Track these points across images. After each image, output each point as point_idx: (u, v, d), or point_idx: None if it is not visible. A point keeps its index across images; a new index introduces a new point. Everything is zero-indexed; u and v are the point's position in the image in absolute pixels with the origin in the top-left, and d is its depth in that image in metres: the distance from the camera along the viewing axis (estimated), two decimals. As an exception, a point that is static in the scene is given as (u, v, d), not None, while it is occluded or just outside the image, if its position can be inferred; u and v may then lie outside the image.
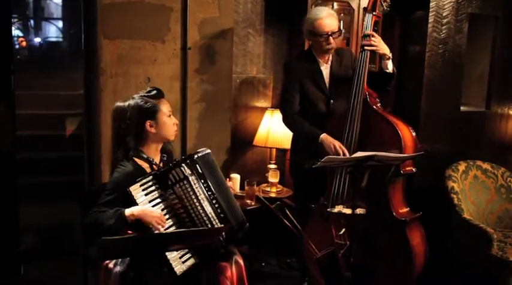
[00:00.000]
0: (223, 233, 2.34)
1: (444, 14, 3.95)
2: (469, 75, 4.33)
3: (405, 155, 2.75)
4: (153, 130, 2.39)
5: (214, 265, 2.34)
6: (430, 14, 3.90)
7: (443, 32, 3.98)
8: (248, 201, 3.54)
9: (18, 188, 3.50)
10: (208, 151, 2.48)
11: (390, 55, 3.00)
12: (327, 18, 3.00)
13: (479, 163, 3.79)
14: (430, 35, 3.93)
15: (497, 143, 4.35)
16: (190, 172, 2.32)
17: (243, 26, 3.83)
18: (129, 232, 2.28)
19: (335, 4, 3.88)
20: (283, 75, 3.26)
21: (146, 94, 2.42)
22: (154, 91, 2.44)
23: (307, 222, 3.02)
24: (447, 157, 3.85)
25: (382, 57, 3.01)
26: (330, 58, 3.16)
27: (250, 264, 2.54)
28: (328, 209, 2.90)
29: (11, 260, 3.47)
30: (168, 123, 2.43)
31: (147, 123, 2.38)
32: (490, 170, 3.78)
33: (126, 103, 2.40)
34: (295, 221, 2.56)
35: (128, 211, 2.20)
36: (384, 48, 2.97)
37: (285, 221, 2.50)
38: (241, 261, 2.44)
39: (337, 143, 2.93)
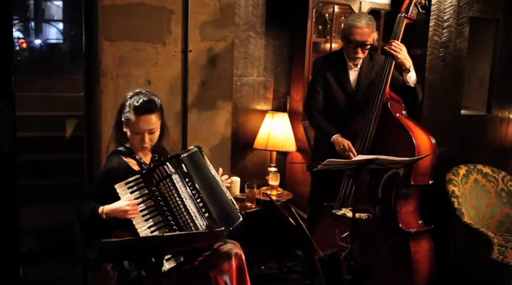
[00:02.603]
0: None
1: (445, 18, 3.95)
2: (470, 78, 4.34)
3: (405, 158, 2.73)
4: (128, 133, 2.43)
5: (210, 264, 2.33)
6: (431, 18, 3.90)
7: (444, 35, 3.98)
8: (248, 204, 3.54)
9: (18, 189, 3.49)
10: (196, 149, 2.50)
11: (409, 67, 2.95)
12: (362, 28, 2.95)
13: (479, 167, 3.79)
14: (431, 38, 3.93)
15: (498, 147, 4.34)
16: (174, 171, 2.33)
17: (244, 28, 3.82)
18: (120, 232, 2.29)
19: (336, 7, 3.88)
20: (312, 71, 3.29)
21: (136, 103, 2.38)
22: (142, 107, 2.37)
23: (319, 220, 3.02)
24: (448, 160, 3.84)
25: (402, 67, 2.97)
26: (361, 62, 3.14)
27: (250, 267, 2.52)
28: (333, 211, 2.90)
29: (10, 261, 3.46)
30: (134, 138, 2.42)
31: (124, 125, 2.43)
32: (491, 174, 3.77)
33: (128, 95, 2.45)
34: (299, 220, 2.56)
35: (100, 209, 2.26)
36: (403, 57, 2.93)
37: (291, 219, 2.51)
38: (240, 252, 2.42)
39: (346, 143, 2.94)
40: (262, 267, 3.77)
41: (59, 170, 4.87)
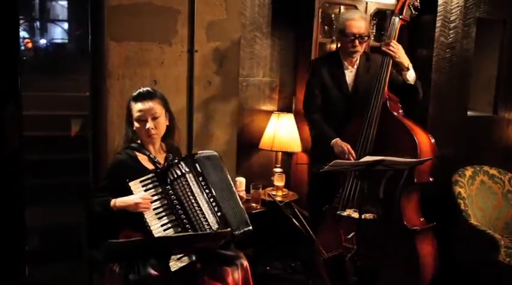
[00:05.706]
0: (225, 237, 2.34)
1: (452, 18, 3.94)
2: (477, 79, 4.32)
3: (413, 160, 2.72)
4: (136, 128, 2.49)
5: (216, 269, 2.34)
6: (438, 18, 3.89)
7: (451, 36, 3.96)
8: (253, 204, 3.54)
9: (24, 189, 3.50)
10: (215, 153, 2.54)
11: (409, 66, 2.97)
12: (358, 21, 3.04)
13: (486, 168, 3.77)
14: (437, 39, 3.92)
15: (504, 149, 4.33)
16: (188, 170, 2.39)
17: (250, 29, 3.82)
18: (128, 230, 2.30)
19: (342, 7, 3.87)
20: (309, 73, 3.31)
21: (134, 94, 2.49)
22: (139, 94, 2.48)
23: (320, 224, 3.02)
24: (454, 162, 3.83)
25: (400, 66, 2.97)
26: (357, 62, 3.16)
27: (255, 267, 2.53)
28: (337, 212, 2.90)
29: (16, 261, 3.47)
30: (140, 129, 2.47)
31: (132, 122, 2.48)
32: (497, 175, 3.75)
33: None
34: (303, 221, 2.55)
35: (112, 202, 2.32)
36: (401, 57, 2.95)
37: (294, 220, 2.50)
38: (246, 264, 2.43)
39: (345, 145, 2.94)
40: (268, 267, 3.77)
41: (65, 170, 4.87)
